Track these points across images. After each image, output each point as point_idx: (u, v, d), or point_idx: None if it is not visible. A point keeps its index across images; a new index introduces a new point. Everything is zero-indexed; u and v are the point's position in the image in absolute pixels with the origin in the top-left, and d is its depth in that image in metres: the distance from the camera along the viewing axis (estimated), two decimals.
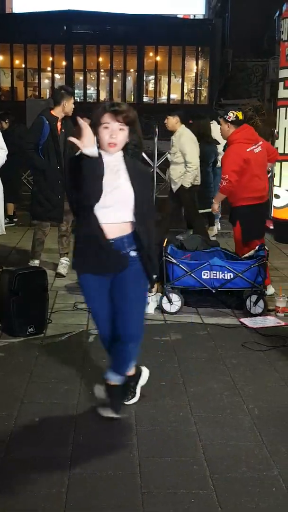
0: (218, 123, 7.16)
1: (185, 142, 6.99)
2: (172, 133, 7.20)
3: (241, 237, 5.47)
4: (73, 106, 5.89)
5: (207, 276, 5.17)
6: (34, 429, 3.23)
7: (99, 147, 3.03)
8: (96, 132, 3.04)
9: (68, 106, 5.81)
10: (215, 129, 8.21)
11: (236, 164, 5.26)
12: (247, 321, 4.97)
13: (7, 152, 5.89)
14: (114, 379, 3.31)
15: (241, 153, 5.28)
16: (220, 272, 5.18)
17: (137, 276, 3.15)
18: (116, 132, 3.04)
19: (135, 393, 3.51)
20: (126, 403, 3.44)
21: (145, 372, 3.57)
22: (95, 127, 3.04)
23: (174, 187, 7.22)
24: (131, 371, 3.45)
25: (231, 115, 5.38)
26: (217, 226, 8.50)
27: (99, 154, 3.01)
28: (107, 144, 3.05)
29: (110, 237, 3.06)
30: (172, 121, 7.09)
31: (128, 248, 3.11)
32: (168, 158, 7.55)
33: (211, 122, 8.37)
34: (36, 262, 6.09)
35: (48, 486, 2.72)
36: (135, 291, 3.17)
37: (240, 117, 5.40)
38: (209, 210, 7.72)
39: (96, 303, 3.27)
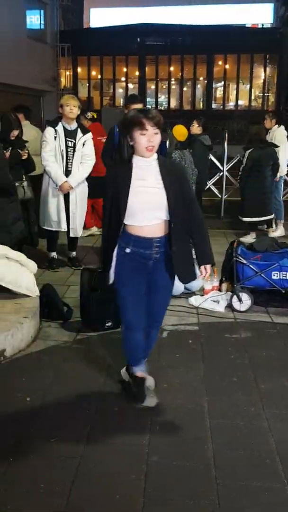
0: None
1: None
2: None
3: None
4: None
5: (277, 276, 5.07)
6: (113, 418, 3.26)
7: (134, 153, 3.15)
8: (132, 138, 3.13)
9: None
10: (279, 133, 8.12)
11: None
12: None
13: (94, 161, 6.04)
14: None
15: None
16: None
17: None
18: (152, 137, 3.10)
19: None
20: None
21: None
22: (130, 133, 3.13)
23: None
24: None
25: (89, 114, 7.79)
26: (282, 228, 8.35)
27: (130, 160, 3.15)
28: (145, 148, 3.12)
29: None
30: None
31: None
32: None
33: (278, 127, 8.25)
34: None
35: (128, 473, 2.75)
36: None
37: (95, 116, 7.90)
38: (271, 217, 7.66)
39: None
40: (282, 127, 8.41)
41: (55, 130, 5.83)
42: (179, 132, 6.35)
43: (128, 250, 3.19)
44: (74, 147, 5.90)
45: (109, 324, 4.58)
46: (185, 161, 6.12)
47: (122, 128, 3.22)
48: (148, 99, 25.22)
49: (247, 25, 28.31)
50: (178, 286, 5.33)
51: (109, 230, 3.24)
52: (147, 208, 3.14)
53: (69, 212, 6.00)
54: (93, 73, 25.96)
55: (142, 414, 3.29)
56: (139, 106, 5.76)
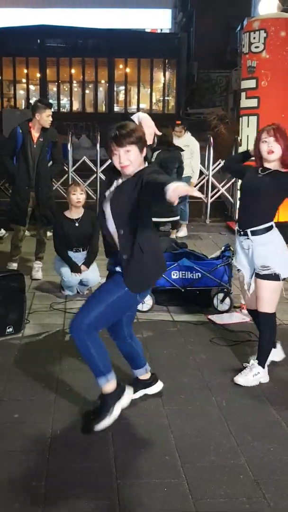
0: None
1: None
2: None
3: None
4: (49, 118, 5.77)
5: (176, 276, 5.19)
6: (13, 425, 3.19)
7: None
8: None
9: (41, 117, 5.73)
10: (192, 140, 8.44)
11: None
12: (214, 317, 5.00)
13: None
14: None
15: None
16: (189, 272, 5.21)
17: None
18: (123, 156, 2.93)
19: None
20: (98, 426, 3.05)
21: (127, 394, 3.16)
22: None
23: None
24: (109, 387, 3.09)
25: None
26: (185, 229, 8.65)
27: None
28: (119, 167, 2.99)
29: None
30: None
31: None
32: None
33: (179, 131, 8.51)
34: (14, 266, 6.04)
35: (28, 479, 2.70)
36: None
37: None
38: (175, 219, 7.86)
39: None
40: (189, 133, 8.73)
41: None
42: None
43: None
44: None
45: (10, 330, 4.47)
46: None
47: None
48: (50, 101, 25.00)
49: (146, 30, 28.81)
50: (71, 281, 5.34)
51: None
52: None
53: None
54: None
55: (41, 420, 3.24)
56: (49, 112, 5.75)
